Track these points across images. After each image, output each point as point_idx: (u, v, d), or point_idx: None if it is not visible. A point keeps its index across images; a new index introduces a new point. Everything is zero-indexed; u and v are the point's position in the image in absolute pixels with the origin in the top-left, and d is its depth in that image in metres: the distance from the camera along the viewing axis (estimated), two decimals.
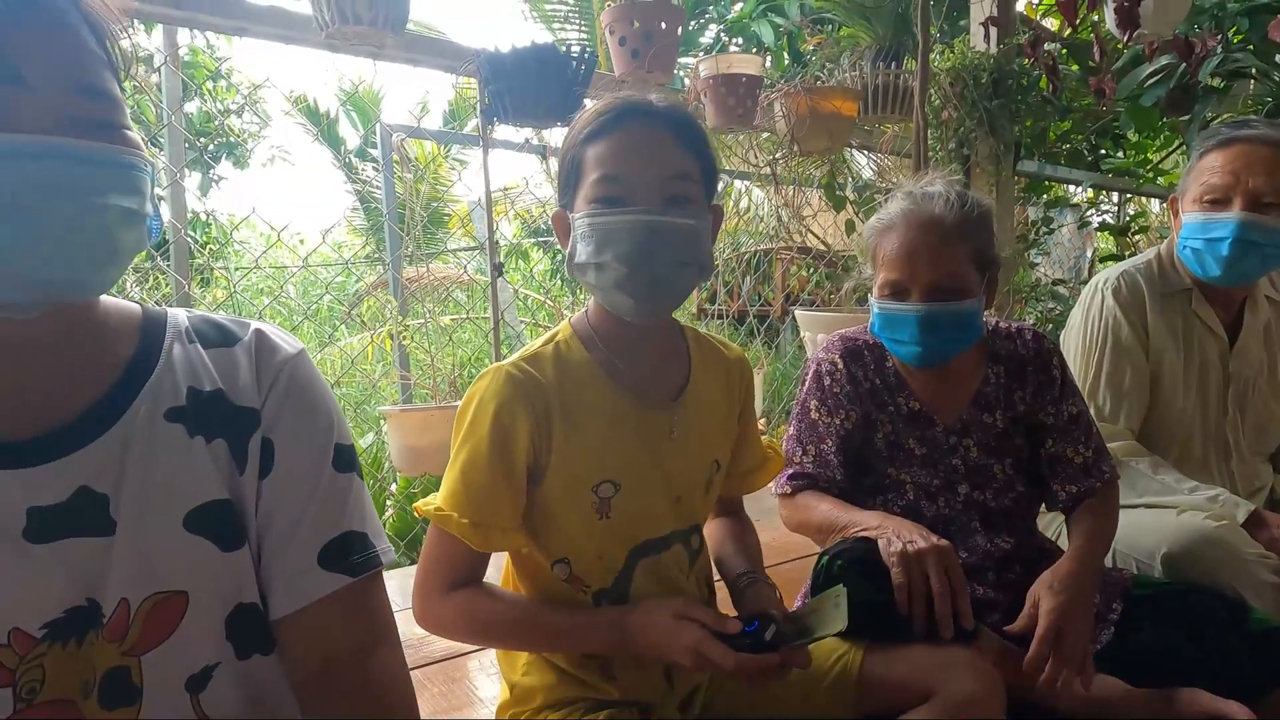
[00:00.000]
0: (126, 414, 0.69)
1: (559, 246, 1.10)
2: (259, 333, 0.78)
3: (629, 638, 0.97)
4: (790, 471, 1.40)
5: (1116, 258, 3.90)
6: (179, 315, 0.78)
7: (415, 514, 1.04)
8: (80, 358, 0.69)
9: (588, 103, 2.05)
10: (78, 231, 0.62)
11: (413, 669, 0.94)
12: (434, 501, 1.00)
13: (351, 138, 8.24)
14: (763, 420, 4.19)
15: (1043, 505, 1.46)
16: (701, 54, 4.79)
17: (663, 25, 2.14)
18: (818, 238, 4.25)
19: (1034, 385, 1.42)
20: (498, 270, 2.12)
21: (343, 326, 4.42)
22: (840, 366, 1.41)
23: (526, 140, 2.61)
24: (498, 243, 2.18)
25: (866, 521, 1.24)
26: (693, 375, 1.12)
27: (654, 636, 0.95)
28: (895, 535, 1.17)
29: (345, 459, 0.79)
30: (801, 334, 2.27)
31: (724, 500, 1.26)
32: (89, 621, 0.65)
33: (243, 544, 0.73)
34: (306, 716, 0.76)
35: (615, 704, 1.04)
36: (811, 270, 4.32)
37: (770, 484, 1.35)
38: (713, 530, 1.25)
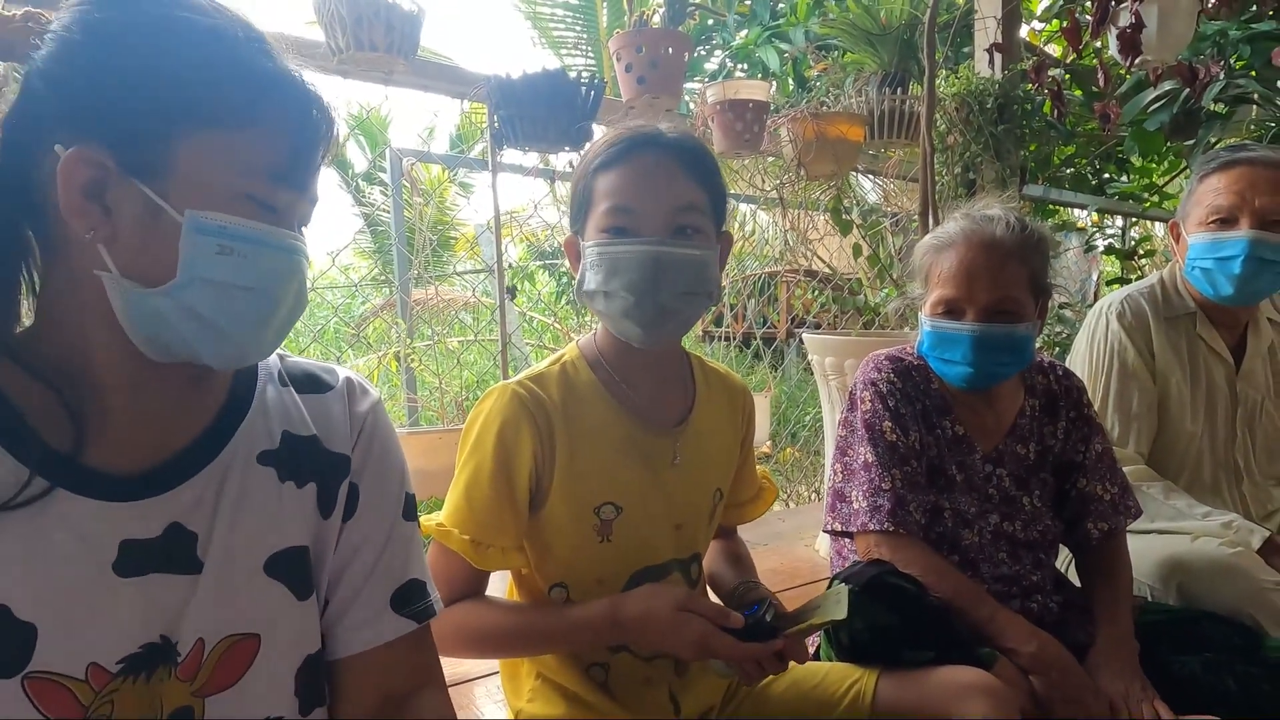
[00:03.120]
0: (222, 454, 0.72)
1: (565, 270, 1.12)
2: (349, 381, 0.82)
3: (625, 629, 0.95)
4: (882, 502, 1.29)
5: (1122, 281, 3.90)
6: (269, 358, 0.80)
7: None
8: (186, 397, 0.72)
9: (598, 129, 2.07)
10: (293, 315, 0.72)
11: None
12: (437, 518, 1.01)
13: (359, 161, 8.31)
14: (767, 444, 4.18)
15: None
16: (707, 80, 4.83)
17: (669, 51, 2.17)
18: (823, 261, 4.26)
19: (1065, 422, 1.42)
20: (510, 293, 2.13)
21: (349, 349, 4.42)
22: (898, 384, 1.37)
23: (535, 165, 2.62)
24: (506, 266, 2.19)
25: (1018, 635, 1.20)
26: (697, 402, 1.13)
27: (655, 629, 0.93)
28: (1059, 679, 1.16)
29: (411, 508, 0.84)
30: (809, 357, 2.26)
31: (720, 527, 1.26)
32: (161, 657, 0.66)
33: (312, 593, 0.75)
34: None
35: None
36: (817, 293, 4.33)
37: (828, 517, 1.38)
38: (708, 552, 1.25)
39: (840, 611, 0.94)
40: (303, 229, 0.73)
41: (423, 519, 1.02)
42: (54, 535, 0.63)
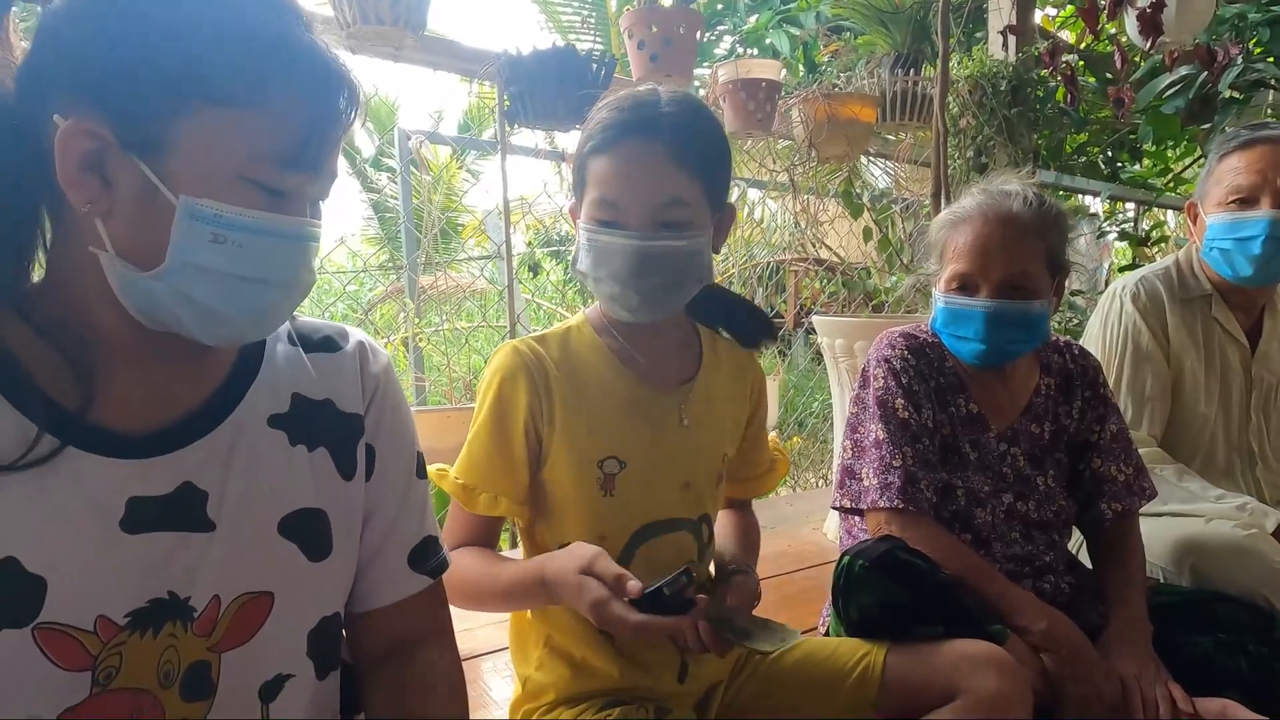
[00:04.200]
0: (232, 416, 0.71)
1: (569, 257, 1.12)
2: (361, 343, 0.82)
3: (549, 589, 0.95)
4: (892, 479, 1.28)
5: (1134, 268, 3.87)
6: None
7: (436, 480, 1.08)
8: (192, 360, 0.71)
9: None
10: (293, 299, 0.70)
11: None
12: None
13: (366, 147, 8.30)
14: (774, 431, 4.17)
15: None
16: (718, 64, 4.80)
17: (681, 30, 2.15)
18: (830, 250, 4.24)
19: (1081, 402, 1.40)
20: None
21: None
22: (912, 361, 1.35)
23: (541, 144, 2.61)
24: (513, 253, 2.18)
25: (1029, 612, 1.19)
26: (703, 368, 1.14)
27: (565, 590, 0.93)
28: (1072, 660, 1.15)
29: (421, 466, 0.86)
30: (819, 340, 2.25)
31: (732, 499, 1.27)
32: (168, 613, 0.67)
33: (328, 555, 0.75)
34: (370, 690, 0.81)
35: (628, 700, 1.02)
36: (825, 281, 4.31)
37: (837, 494, 1.37)
38: (719, 521, 1.24)
39: (776, 645, 0.90)
40: (320, 203, 0.71)
41: (431, 467, 1.06)
42: (62, 491, 0.63)
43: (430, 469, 1.02)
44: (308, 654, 0.74)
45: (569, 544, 1.04)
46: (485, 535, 1.08)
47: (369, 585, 0.80)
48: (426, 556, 0.83)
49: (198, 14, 0.61)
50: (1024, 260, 1.27)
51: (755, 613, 1.01)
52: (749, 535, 1.25)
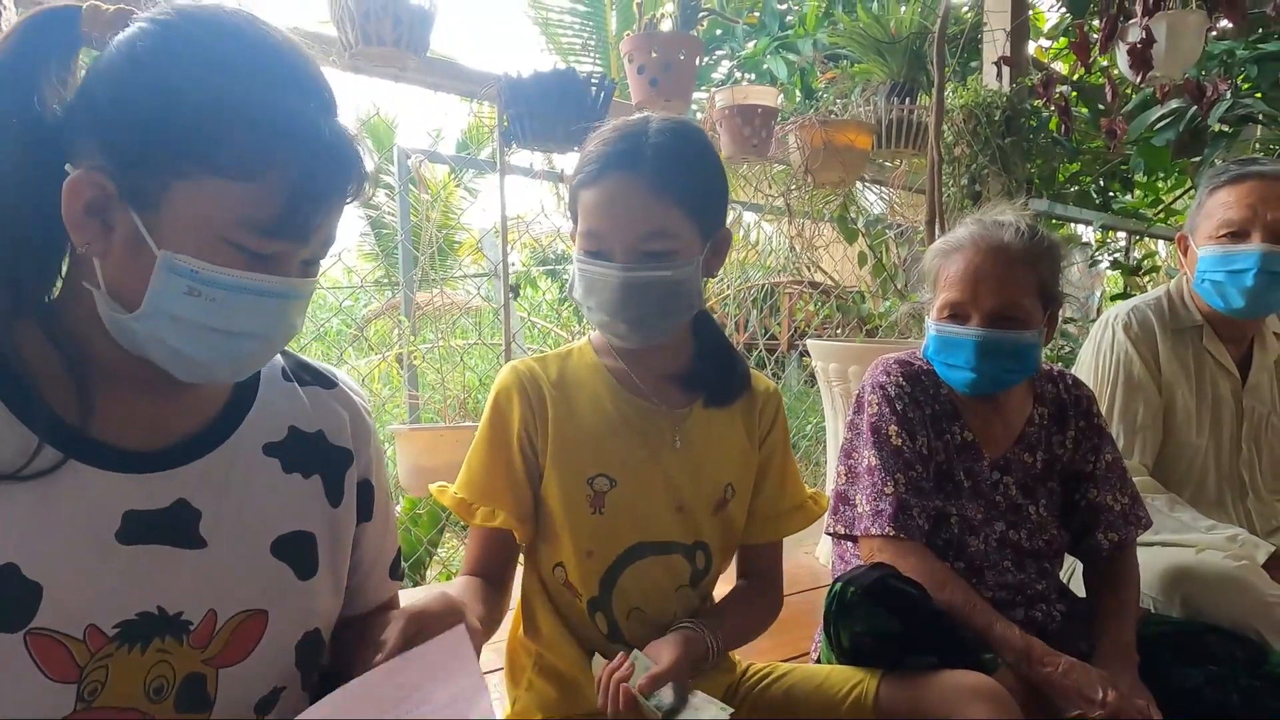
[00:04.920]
0: (228, 442, 0.75)
1: (567, 276, 1.14)
2: (350, 386, 0.88)
3: None
4: (884, 507, 1.28)
5: (1126, 298, 3.91)
6: None
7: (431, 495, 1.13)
8: (190, 388, 0.74)
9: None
10: (267, 351, 0.73)
11: None
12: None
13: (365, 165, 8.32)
14: None
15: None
16: (715, 89, 4.84)
17: (681, 56, 2.17)
18: (825, 273, 4.26)
19: (1075, 432, 1.41)
20: (513, 292, 2.13)
21: (350, 349, 4.42)
22: (906, 388, 1.36)
23: (539, 165, 2.62)
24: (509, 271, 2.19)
25: (1013, 643, 1.17)
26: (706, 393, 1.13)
27: None
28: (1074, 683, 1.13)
29: (391, 488, 0.95)
30: (814, 364, 2.26)
31: (753, 557, 1.22)
32: (156, 628, 0.69)
33: (314, 574, 0.79)
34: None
35: None
36: (819, 305, 4.32)
37: (830, 520, 1.36)
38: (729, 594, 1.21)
39: (707, 713, 0.92)
40: (315, 262, 0.74)
41: (434, 486, 1.12)
42: (63, 501, 0.65)
43: (432, 486, 1.09)
44: (296, 665, 0.77)
45: (561, 563, 1.05)
46: (493, 560, 1.08)
47: (360, 599, 0.88)
48: (398, 565, 0.93)
49: (220, 89, 0.64)
50: (1015, 291, 1.28)
51: None
52: (751, 605, 1.18)
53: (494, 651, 1.64)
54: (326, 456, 0.81)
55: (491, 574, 1.07)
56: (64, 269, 0.71)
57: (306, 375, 0.84)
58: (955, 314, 1.31)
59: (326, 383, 0.85)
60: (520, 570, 1.16)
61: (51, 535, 0.64)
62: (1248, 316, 1.64)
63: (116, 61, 0.64)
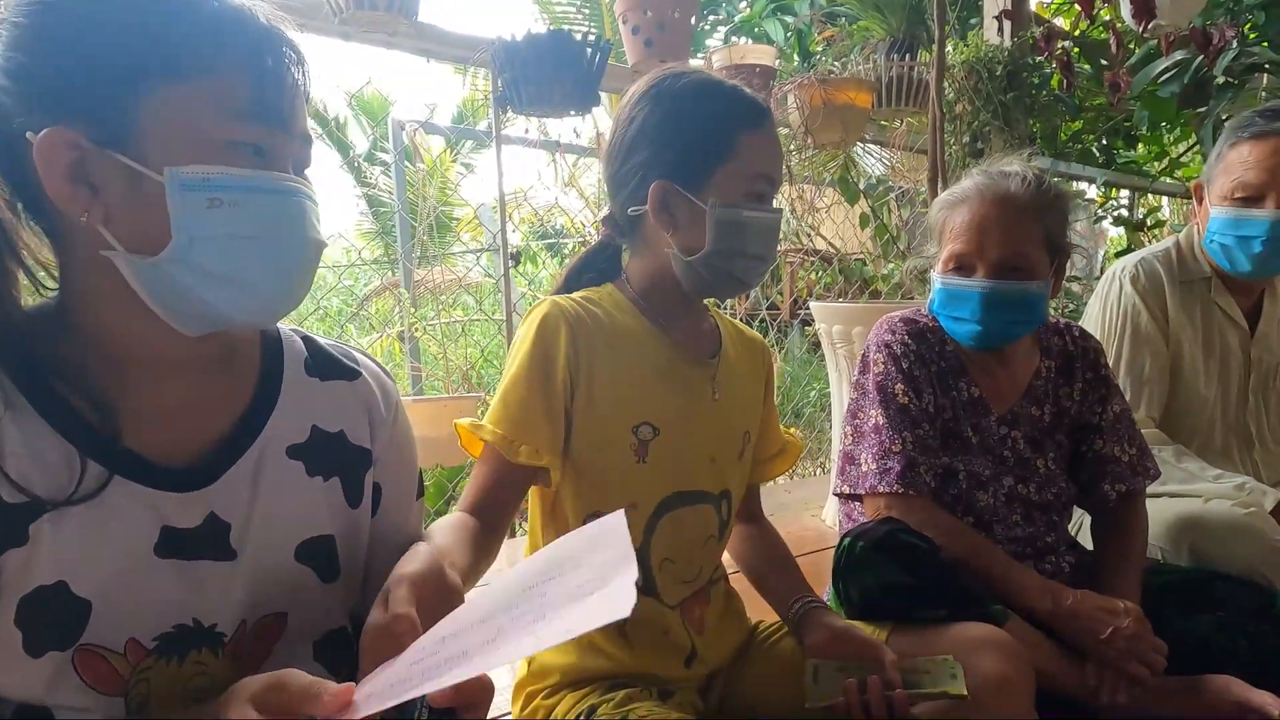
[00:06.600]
0: (254, 445, 0.73)
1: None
2: (375, 375, 0.85)
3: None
4: (891, 465, 1.27)
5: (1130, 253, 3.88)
6: (293, 340, 0.82)
7: (455, 430, 1.05)
8: (220, 379, 0.74)
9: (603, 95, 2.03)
10: (309, 258, 0.71)
11: None
12: (471, 420, 1.03)
13: (360, 143, 8.25)
14: None
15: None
16: (712, 50, 4.78)
17: (675, 14, 2.13)
18: (826, 240, 4.24)
19: (1082, 384, 1.40)
20: (514, 260, 2.11)
21: (351, 326, 4.41)
22: (912, 346, 1.34)
23: (528, 131, 2.59)
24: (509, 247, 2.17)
25: (1031, 583, 1.19)
26: (724, 344, 1.15)
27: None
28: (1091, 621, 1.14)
29: (420, 486, 0.91)
30: (817, 326, 2.24)
31: (748, 500, 1.23)
32: (193, 640, 0.69)
33: (337, 576, 0.78)
34: None
35: (633, 683, 1.02)
36: (820, 272, 4.30)
37: (837, 480, 1.36)
38: (744, 545, 1.23)
39: (960, 687, 0.95)
40: (304, 171, 0.72)
41: (459, 421, 1.05)
42: (110, 517, 0.65)
43: (462, 423, 1.02)
44: (316, 660, 0.77)
45: (598, 512, 1.01)
46: (500, 500, 1.00)
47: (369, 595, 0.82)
48: (420, 486, 0.90)
49: (129, 5, 0.62)
50: (1020, 241, 1.27)
51: None
52: (785, 558, 1.21)
53: None
54: (346, 457, 0.80)
55: (492, 515, 0.98)
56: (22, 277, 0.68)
57: (330, 368, 0.82)
58: (961, 266, 1.29)
59: (350, 373, 0.83)
60: (528, 527, 1.14)
61: (99, 551, 0.64)
62: (1254, 279, 1.63)
63: (20, 24, 0.62)
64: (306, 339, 0.83)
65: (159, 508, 0.67)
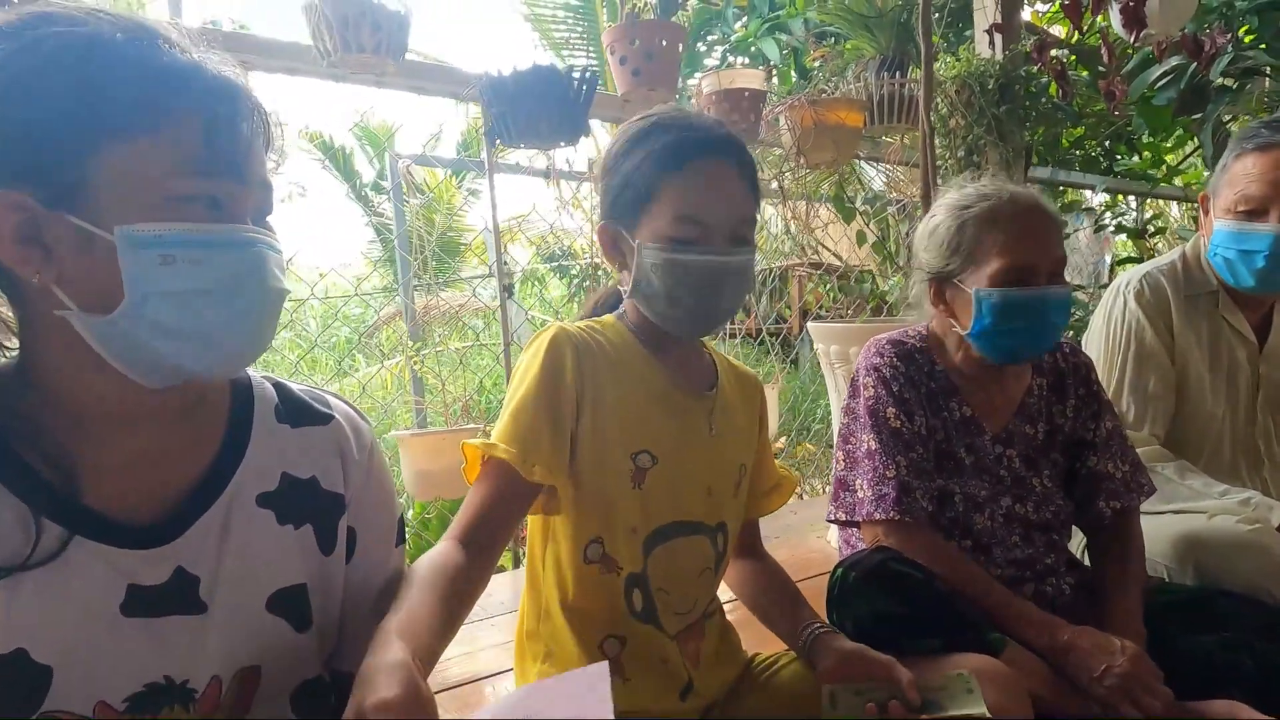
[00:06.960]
0: (222, 496, 0.72)
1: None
2: (346, 416, 0.84)
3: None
4: (886, 491, 1.25)
5: (1135, 261, 3.85)
6: (264, 387, 0.80)
7: (463, 450, 1.02)
8: (185, 429, 0.72)
9: (594, 124, 2.04)
10: (270, 308, 0.70)
11: None
12: (480, 438, 1.02)
13: (367, 172, 8.35)
14: (782, 440, 4.14)
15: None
16: (702, 75, 4.80)
17: (663, 43, 2.15)
18: (830, 251, 4.23)
19: (1075, 400, 1.38)
20: (508, 292, 2.13)
21: (360, 356, 4.44)
22: (901, 368, 1.33)
23: (520, 163, 2.61)
24: (511, 269, 2.19)
25: (1031, 617, 1.18)
26: (720, 378, 1.15)
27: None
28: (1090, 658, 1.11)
29: (401, 533, 0.89)
30: (815, 347, 2.24)
31: (746, 534, 1.23)
32: (165, 698, 0.67)
33: (310, 626, 0.77)
34: None
35: (627, 718, 1.01)
36: (825, 285, 4.29)
37: (831, 507, 1.36)
38: (748, 582, 1.22)
39: (980, 705, 0.93)
40: (267, 218, 0.71)
41: (467, 441, 1.02)
42: (71, 579, 0.64)
43: (471, 443, 1.00)
44: (293, 713, 0.76)
45: (599, 537, 1.02)
46: (499, 523, 0.96)
47: (355, 651, 0.77)
48: (401, 532, 0.89)
49: (69, 67, 0.61)
50: (1061, 247, 1.29)
51: None
52: (791, 590, 1.19)
53: (502, 651, 1.65)
54: (318, 504, 0.79)
55: (487, 538, 0.95)
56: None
57: (302, 414, 0.80)
58: (1021, 277, 1.25)
59: (322, 418, 0.81)
60: (525, 554, 1.14)
61: (60, 615, 0.63)
62: (1258, 294, 1.60)
63: None
64: (278, 385, 0.81)
65: (122, 566, 0.66)
